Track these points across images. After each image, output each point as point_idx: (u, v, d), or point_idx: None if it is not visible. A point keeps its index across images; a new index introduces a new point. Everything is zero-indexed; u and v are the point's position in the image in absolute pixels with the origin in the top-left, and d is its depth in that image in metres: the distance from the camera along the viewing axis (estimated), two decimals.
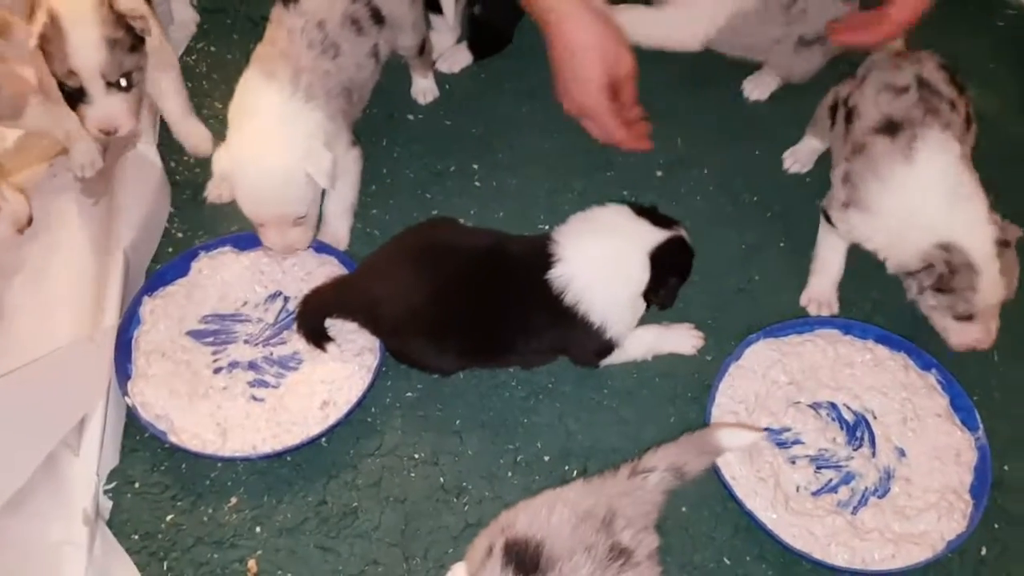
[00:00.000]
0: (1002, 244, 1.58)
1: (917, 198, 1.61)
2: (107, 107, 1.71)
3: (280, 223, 1.68)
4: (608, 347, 1.65)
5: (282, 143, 1.61)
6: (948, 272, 1.58)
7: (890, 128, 1.65)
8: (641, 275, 1.60)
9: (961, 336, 1.65)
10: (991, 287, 1.59)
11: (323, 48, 1.71)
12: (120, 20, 1.68)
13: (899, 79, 1.69)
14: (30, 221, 1.74)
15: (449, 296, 1.60)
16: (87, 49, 1.66)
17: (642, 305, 1.64)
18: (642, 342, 1.71)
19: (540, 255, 1.60)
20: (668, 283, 1.63)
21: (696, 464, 1.43)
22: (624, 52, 1.70)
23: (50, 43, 1.66)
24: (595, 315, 1.59)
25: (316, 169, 1.63)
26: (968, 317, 1.62)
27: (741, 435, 1.47)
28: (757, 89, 2.17)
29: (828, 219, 1.76)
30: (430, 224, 1.78)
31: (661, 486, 1.40)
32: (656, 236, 1.61)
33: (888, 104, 1.67)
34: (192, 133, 1.99)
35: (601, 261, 1.59)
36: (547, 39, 1.71)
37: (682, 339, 1.75)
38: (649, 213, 1.65)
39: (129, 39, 1.70)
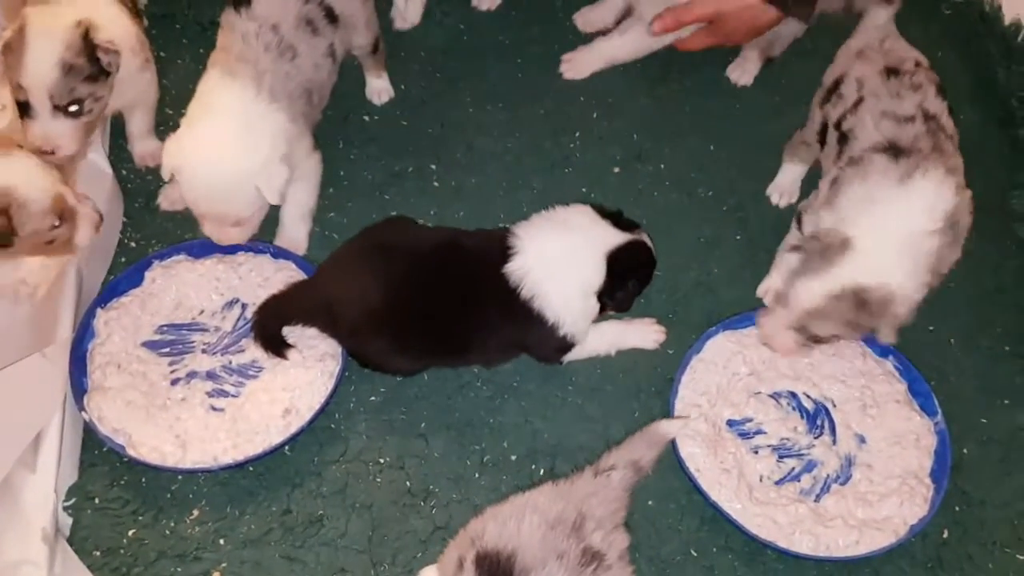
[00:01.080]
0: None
1: (891, 223, 1.54)
2: (48, 129, 1.66)
3: (221, 220, 1.67)
4: (566, 344, 1.65)
5: (240, 147, 1.59)
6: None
7: (894, 150, 1.59)
8: (595, 276, 1.60)
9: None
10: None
11: (280, 50, 1.69)
12: (88, 48, 1.64)
13: (902, 108, 1.63)
14: (102, 219, 1.70)
15: (405, 295, 1.59)
16: (40, 67, 1.61)
17: (595, 306, 1.64)
18: (603, 337, 1.72)
19: (498, 248, 1.60)
20: (626, 287, 1.63)
21: (648, 456, 1.47)
22: None
23: (12, 53, 1.62)
24: (550, 311, 1.59)
25: (267, 186, 1.61)
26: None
27: (675, 423, 1.55)
28: (744, 75, 2.19)
29: (799, 224, 1.73)
30: (386, 224, 1.76)
31: (624, 483, 1.42)
32: (615, 239, 1.61)
33: (891, 130, 1.62)
34: (146, 148, 1.97)
35: (557, 257, 1.59)
36: None
37: (644, 334, 1.75)
38: (612, 216, 1.65)
39: (90, 68, 1.65)
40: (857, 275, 1.52)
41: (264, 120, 1.63)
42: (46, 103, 1.64)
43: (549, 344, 1.65)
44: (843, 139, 1.69)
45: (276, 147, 1.63)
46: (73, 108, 1.66)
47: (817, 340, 1.60)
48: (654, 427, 1.52)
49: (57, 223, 1.62)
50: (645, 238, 1.66)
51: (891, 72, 1.69)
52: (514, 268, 1.58)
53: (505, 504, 1.35)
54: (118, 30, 1.71)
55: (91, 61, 1.65)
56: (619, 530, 1.36)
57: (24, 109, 1.65)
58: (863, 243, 1.53)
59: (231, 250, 1.77)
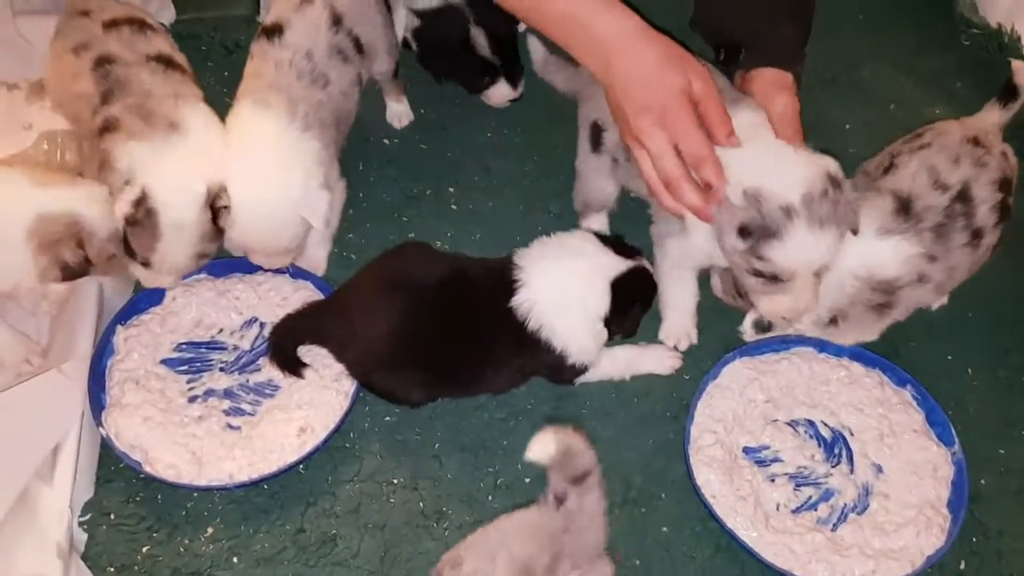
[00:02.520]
0: None
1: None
2: (162, 282, 1.69)
3: (270, 251, 1.70)
4: (576, 370, 1.65)
5: (280, 178, 1.61)
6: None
7: (903, 206, 1.59)
8: (600, 302, 1.59)
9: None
10: None
11: (312, 78, 1.71)
12: (215, 215, 1.62)
13: (948, 175, 1.60)
14: None
15: (410, 329, 1.59)
16: (177, 257, 1.63)
17: (603, 331, 1.63)
18: (617, 362, 1.71)
19: (503, 281, 1.60)
20: (629, 312, 1.63)
21: (574, 465, 1.33)
22: (694, 66, 1.52)
23: (134, 228, 1.59)
24: (557, 340, 1.59)
25: (311, 212, 1.64)
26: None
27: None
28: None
29: None
30: (399, 253, 1.74)
31: (586, 506, 1.34)
32: (618, 265, 1.61)
33: (920, 186, 1.60)
34: None
35: (562, 286, 1.59)
36: (605, 84, 1.57)
37: (659, 360, 1.75)
38: (613, 242, 1.65)
39: (214, 234, 1.66)
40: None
41: (300, 148, 1.65)
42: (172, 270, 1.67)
43: (560, 372, 1.65)
44: (888, 169, 1.69)
45: (313, 174, 1.65)
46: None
47: None
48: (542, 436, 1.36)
49: None
50: (646, 264, 1.66)
51: (973, 140, 1.66)
52: (520, 301, 1.58)
53: (484, 532, 1.32)
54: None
55: (216, 226, 1.64)
56: (601, 561, 1.33)
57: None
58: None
59: (251, 269, 1.78)
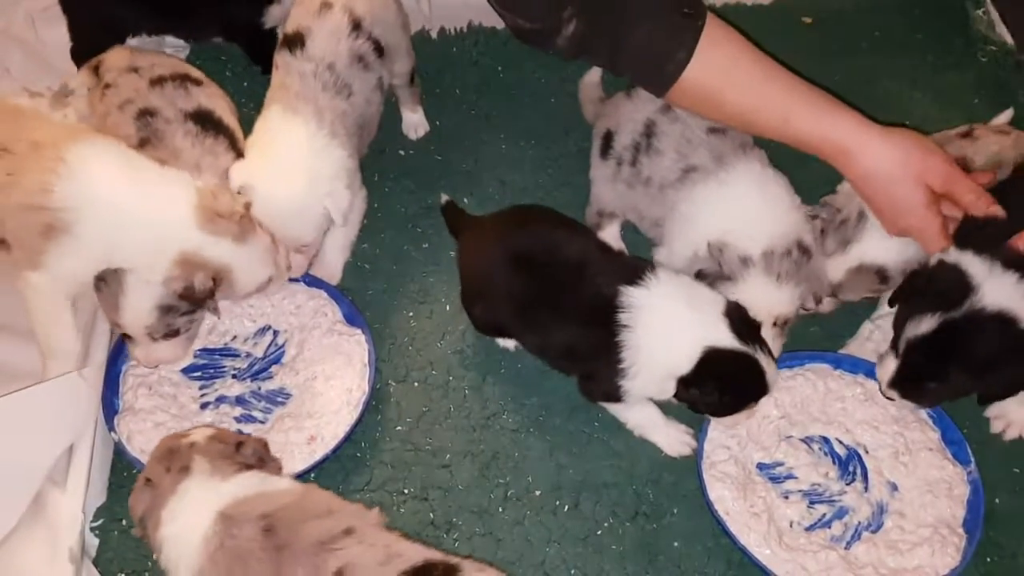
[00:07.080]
0: None
1: None
2: (150, 352, 1.64)
3: (284, 245, 1.71)
4: (616, 394, 1.59)
5: (308, 173, 1.65)
6: None
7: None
8: (682, 359, 1.52)
9: None
10: None
11: (336, 89, 1.74)
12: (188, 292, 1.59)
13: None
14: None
15: (527, 290, 1.62)
16: (136, 311, 1.60)
17: (670, 389, 1.54)
18: (634, 416, 1.66)
19: (631, 269, 1.57)
20: (706, 388, 1.53)
21: None
22: (933, 161, 1.57)
23: (106, 290, 1.60)
24: (628, 354, 1.54)
25: (334, 206, 1.67)
26: None
27: None
28: None
29: None
30: (527, 229, 1.71)
31: None
32: (721, 339, 1.52)
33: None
34: None
35: (666, 320, 1.53)
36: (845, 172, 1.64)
37: (671, 439, 1.67)
38: (742, 321, 1.56)
39: (188, 306, 1.62)
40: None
41: (328, 152, 1.69)
42: (143, 335, 1.63)
43: (598, 381, 1.61)
44: (966, 135, 1.80)
45: (340, 177, 1.69)
46: (170, 334, 1.65)
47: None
48: None
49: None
50: (760, 356, 1.53)
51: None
52: (633, 293, 1.54)
53: None
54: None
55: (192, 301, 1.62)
56: None
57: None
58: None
59: None
